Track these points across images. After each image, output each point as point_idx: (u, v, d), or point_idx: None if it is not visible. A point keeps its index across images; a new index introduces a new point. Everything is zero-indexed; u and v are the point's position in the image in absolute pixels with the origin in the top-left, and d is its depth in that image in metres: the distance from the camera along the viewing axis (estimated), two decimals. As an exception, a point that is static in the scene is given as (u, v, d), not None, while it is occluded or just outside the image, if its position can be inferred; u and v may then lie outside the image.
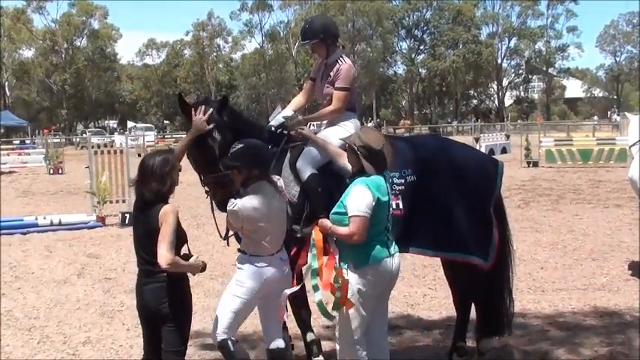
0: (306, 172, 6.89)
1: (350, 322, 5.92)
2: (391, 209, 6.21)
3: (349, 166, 6.20)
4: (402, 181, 6.90)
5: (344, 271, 5.88)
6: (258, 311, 6.58)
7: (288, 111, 7.59)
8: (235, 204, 5.98)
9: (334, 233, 5.93)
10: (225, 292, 6.38)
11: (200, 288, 10.58)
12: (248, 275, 6.16)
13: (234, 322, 6.27)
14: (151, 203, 5.76)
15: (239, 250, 6.32)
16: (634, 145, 11.41)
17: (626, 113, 12.87)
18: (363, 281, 5.86)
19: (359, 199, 5.78)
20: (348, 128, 7.13)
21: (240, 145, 6.23)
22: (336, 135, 7.01)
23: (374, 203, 5.78)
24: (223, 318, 6.26)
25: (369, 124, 76.51)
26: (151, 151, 6.18)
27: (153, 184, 5.76)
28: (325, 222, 6.01)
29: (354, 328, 5.93)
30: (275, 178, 6.43)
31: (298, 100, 7.88)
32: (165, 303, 5.72)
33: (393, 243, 6.12)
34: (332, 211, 6.03)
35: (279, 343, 6.47)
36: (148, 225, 5.72)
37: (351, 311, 5.90)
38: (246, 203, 6.00)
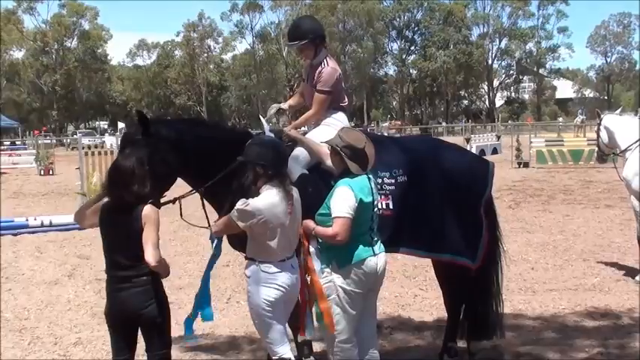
0: (296, 172, 6.88)
1: (338, 322, 5.94)
2: (378, 209, 6.23)
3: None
4: (393, 181, 6.90)
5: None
6: None
7: (284, 105, 7.72)
8: (248, 203, 5.82)
9: (318, 234, 5.97)
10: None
11: (191, 289, 10.57)
12: (259, 283, 5.97)
13: (275, 335, 6.06)
14: (130, 205, 5.66)
15: (246, 257, 6.16)
16: (627, 150, 11.42)
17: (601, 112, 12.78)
18: (347, 280, 5.91)
19: (342, 200, 5.82)
20: (336, 127, 7.13)
21: (250, 141, 6.23)
22: (324, 135, 6.99)
23: (357, 204, 5.82)
24: (263, 338, 6.17)
25: (385, 125, 76.60)
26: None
27: (134, 187, 5.65)
28: (309, 223, 6.03)
29: (342, 327, 5.96)
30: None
31: (292, 100, 7.96)
32: (148, 307, 5.64)
33: (379, 243, 6.14)
34: (317, 213, 6.05)
35: (289, 354, 6.22)
36: (131, 227, 5.60)
37: (338, 311, 5.93)
38: (258, 202, 5.85)
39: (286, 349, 6.09)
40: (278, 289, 5.94)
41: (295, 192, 6.18)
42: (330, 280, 5.95)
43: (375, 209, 6.10)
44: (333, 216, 5.82)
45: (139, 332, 5.90)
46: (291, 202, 6.03)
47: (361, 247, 5.94)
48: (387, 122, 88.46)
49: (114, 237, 5.74)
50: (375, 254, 6.01)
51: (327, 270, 5.97)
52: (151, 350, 5.81)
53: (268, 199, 5.88)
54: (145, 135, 6.67)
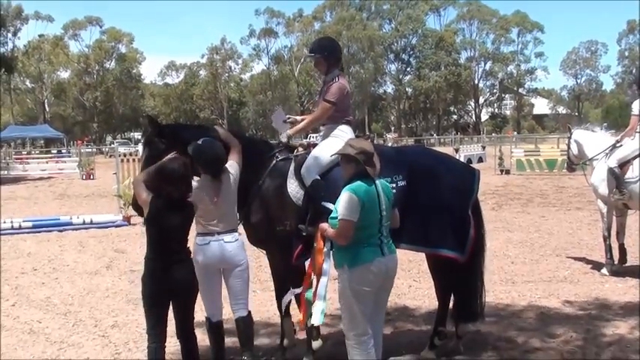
0: (310, 177, 6.87)
1: (353, 317, 5.79)
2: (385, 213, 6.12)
3: None
4: (394, 185, 6.87)
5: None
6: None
7: (294, 117, 7.79)
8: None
9: (327, 236, 5.86)
10: None
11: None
12: (195, 251, 6.42)
13: (206, 296, 6.58)
14: (177, 202, 6.08)
15: None
16: (593, 159, 11.53)
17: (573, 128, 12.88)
18: (355, 280, 5.72)
19: (344, 204, 5.66)
20: (342, 138, 7.11)
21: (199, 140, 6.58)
22: (333, 146, 6.95)
23: (360, 208, 5.64)
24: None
25: (389, 136, 76.20)
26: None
27: (182, 187, 6.09)
28: (325, 225, 5.90)
29: (354, 324, 5.79)
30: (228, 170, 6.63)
31: (308, 116, 7.94)
32: (193, 278, 6.19)
33: (389, 245, 5.97)
34: (330, 216, 5.89)
35: (242, 313, 6.68)
36: (184, 221, 6.13)
37: (345, 307, 5.80)
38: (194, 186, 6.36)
39: (213, 312, 6.65)
40: (206, 257, 6.38)
41: (226, 183, 6.53)
42: (341, 280, 5.83)
43: (384, 213, 5.89)
44: (338, 218, 5.70)
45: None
46: (218, 192, 6.42)
47: (369, 249, 5.76)
48: (393, 134, 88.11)
49: (168, 228, 6.05)
50: (383, 256, 5.83)
51: (340, 270, 5.83)
52: (195, 316, 6.42)
53: (196, 185, 6.37)
54: (158, 136, 6.89)
